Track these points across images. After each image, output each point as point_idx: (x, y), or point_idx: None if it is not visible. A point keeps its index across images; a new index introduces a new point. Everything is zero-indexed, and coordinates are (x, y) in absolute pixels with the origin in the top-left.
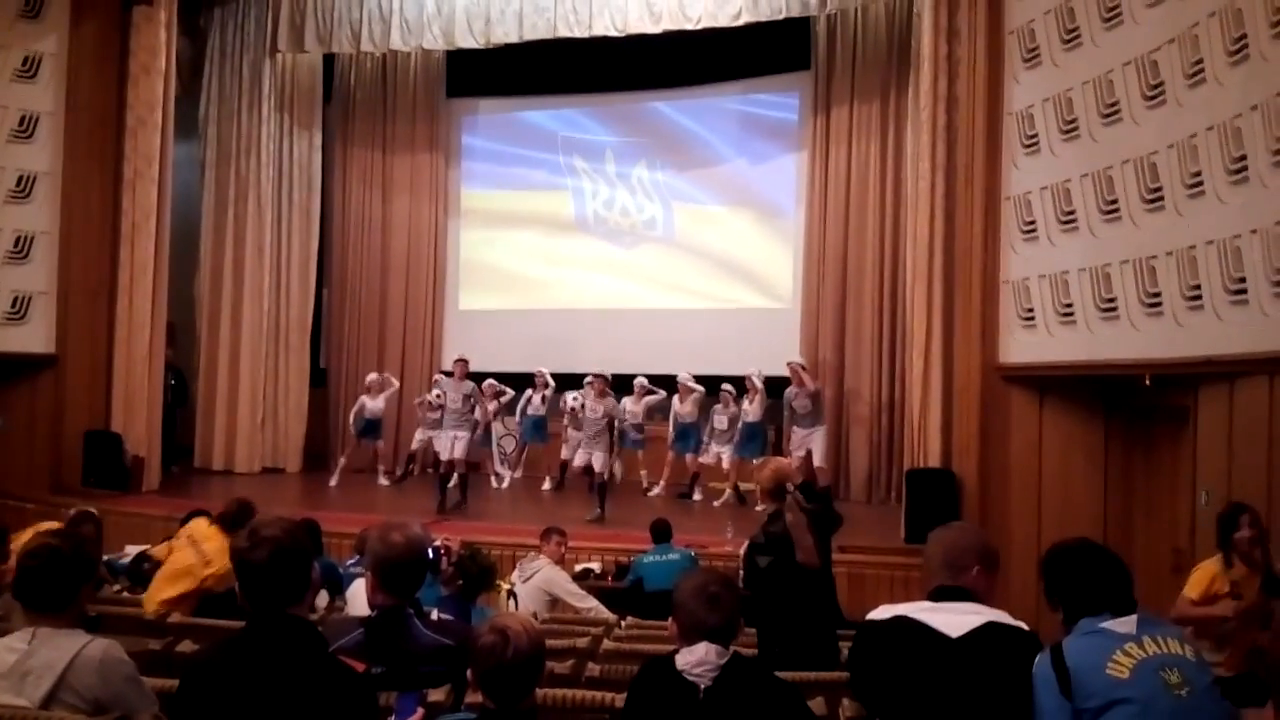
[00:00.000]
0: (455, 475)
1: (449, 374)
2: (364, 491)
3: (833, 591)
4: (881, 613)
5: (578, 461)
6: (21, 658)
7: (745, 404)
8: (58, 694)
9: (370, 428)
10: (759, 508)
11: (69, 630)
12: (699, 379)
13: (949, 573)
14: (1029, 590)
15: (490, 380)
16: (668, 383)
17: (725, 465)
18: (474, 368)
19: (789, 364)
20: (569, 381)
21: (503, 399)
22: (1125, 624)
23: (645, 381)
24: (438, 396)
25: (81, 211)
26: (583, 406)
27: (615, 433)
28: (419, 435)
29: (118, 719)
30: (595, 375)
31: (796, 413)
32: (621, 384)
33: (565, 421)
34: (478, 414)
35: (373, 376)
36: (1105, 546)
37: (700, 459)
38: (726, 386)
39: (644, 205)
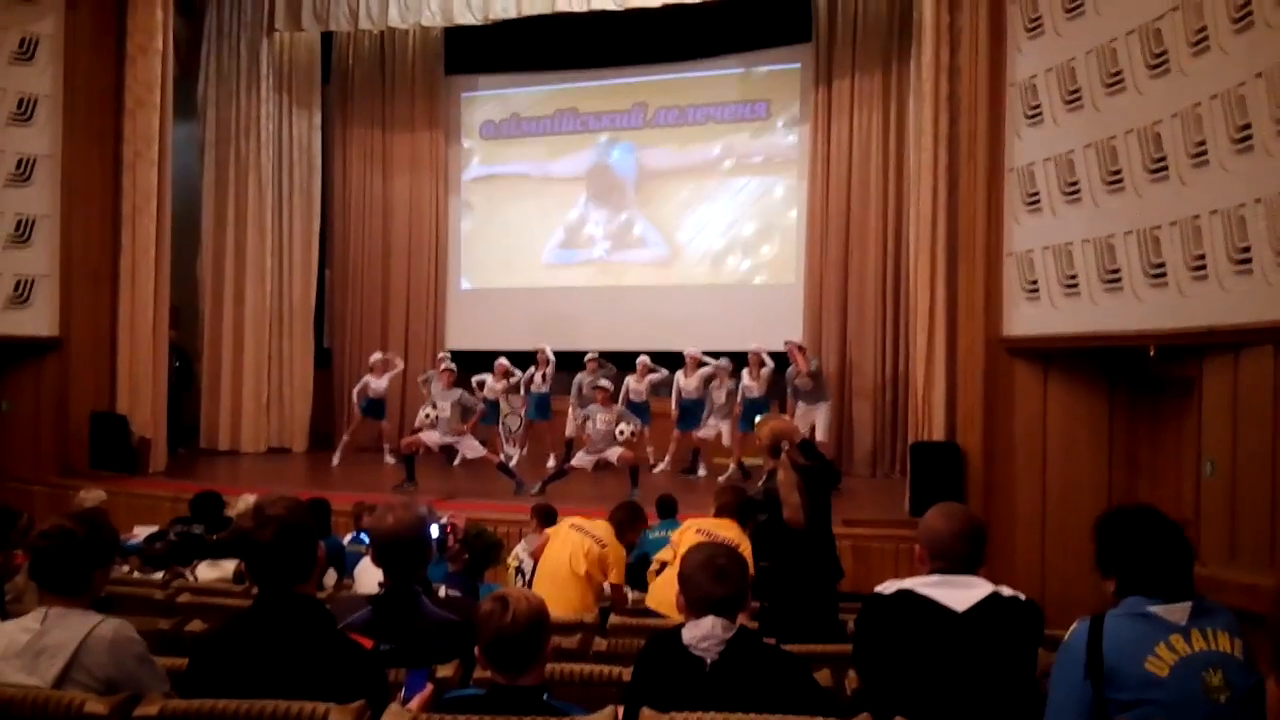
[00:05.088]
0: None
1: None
2: (369, 470)
3: (831, 548)
4: (887, 587)
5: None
6: (34, 638)
7: (747, 379)
8: (70, 673)
9: (374, 407)
10: (764, 468)
11: (81, 610)
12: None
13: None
14: (1033, 561)
15: (501, 359)
16: (670, 360)
17: (725, 440)
18: (477, 346)
19: (786, 343)
20: (572, 359)
21: (511, 379)
22: (1177, 612)
23: (648, 360)
24: (427, 417)
25: (82, 194)
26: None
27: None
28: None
29: (128, 698)
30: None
31: (799, 389)
32: (625, 361)
33: (572, 399)
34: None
35: (376, 356)
36: (1171, 520)
37: (699, 433)
38: (722, 360)
39: (644, 181)
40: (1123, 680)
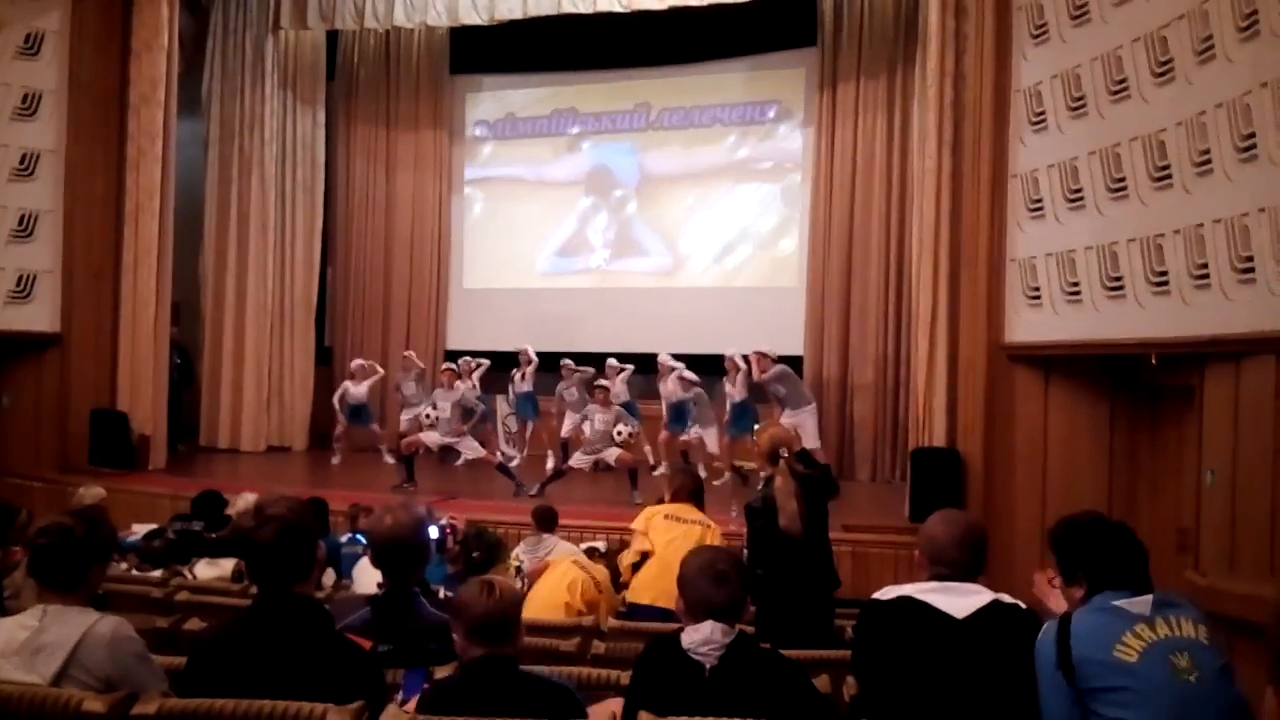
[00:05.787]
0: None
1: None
2: (369, 470)
3: (828, 557)
4: (886, 593)
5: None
6: (32, 635)
7: (727, 386)
8: (68, 671)
9: (356, 413)
10: (761, 474)
11: (79, 608)
12: (705, 358)
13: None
14: (1033, 569)
15: (464, 359)
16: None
17: (710, 447)
18: (477, 346)
19: (748, 356)
20: (575, 359)
21: (473, 376)
22: (1140, 604)
23: (615, 362)
24: (428, 417)
25: (85, 190)
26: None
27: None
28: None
29: (126, 696)
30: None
31: (777, 395)
32: (631, 363)
33: (555, 407)
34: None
35: (357, 362)
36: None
37: (683, 437)
38: (688, 374)
39: (648, 183)
40: (1094, 669)
